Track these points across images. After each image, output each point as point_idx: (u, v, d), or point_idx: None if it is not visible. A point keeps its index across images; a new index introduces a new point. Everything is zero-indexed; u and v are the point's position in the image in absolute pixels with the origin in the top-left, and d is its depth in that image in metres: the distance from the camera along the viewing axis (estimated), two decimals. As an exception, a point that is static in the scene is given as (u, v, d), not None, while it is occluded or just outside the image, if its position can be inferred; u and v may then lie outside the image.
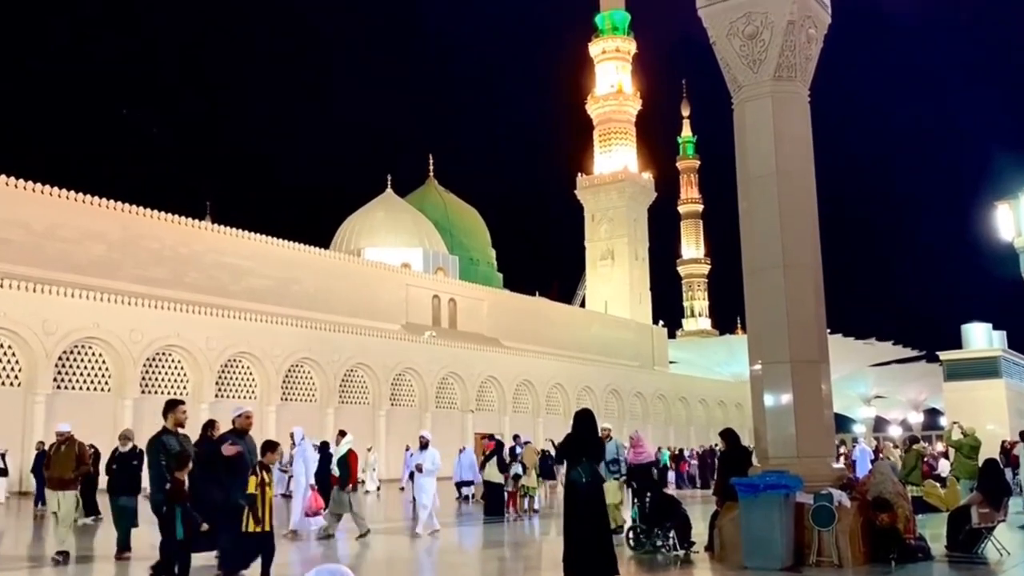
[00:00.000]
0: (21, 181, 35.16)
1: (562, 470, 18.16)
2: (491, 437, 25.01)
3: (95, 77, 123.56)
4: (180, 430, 10.25)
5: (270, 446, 10.06)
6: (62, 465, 12.55)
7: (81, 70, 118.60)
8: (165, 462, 9.53)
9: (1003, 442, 31.71)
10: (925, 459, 19.10)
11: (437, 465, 16.56)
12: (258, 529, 9.47)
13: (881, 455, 26.58)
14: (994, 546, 12.23)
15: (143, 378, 34.19)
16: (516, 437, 24.10)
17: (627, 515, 14.67)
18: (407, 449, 30.48)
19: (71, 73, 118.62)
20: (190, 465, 9.65)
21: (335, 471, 15.77)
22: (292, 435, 19.05)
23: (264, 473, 9.61)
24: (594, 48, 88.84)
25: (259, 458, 9.97)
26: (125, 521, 12.67)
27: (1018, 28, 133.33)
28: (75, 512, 12.55)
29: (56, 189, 36.25)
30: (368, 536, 14.99)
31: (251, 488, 9.49)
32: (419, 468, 16.63)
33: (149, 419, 33.65)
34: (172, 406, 10.37)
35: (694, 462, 37.21)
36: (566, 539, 9.80)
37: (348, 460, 15.63)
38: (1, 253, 33.49)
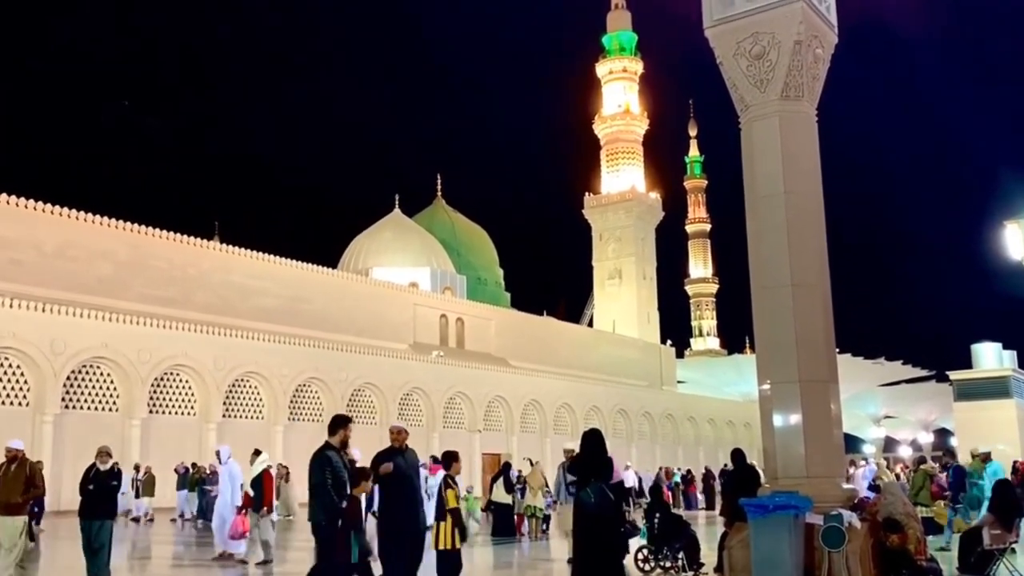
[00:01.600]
0: (32, 202, 35.38)
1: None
2: (435, 460, 24.70)
3: (95, 81, 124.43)
4: (345, 448, 9.53)
5: (453, 456, 9.74)
6: (9, 487, 11.53)
7: (80, 72, 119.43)
8: (331, 481, 8.99)
9: (1015, 462, 31.50)
10: (934, 479, 18.94)
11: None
12: (448, 546, 9.13)
13: (876, 478, 26.32)
14: (1006, 568, 12.14)
15: (151, 398, 34.24)
16: (507, 465, 22.68)
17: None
18: None
19: (70, 76, 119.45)
20: (368, 484, 9.21)
21: (250, 492, 14.81)
22: (218, 453, 17.61)
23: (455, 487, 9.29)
24: (601, 68, 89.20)
25: (444, 471, 9.67)
26: (102, 550, 11.53)
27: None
28: (21, 540, 11.68)
29: (66, 209, 36.44)
30: (270, 566, 14.16)
31: (452, 502, 9.14)
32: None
33: (156, 439, 33.76)
34: (341, 423, 9.59)
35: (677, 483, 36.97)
36: (575, 560, 9.76)
37: (263, 481, 14.74)
38: (12, 274, 33.66)
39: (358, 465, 9.92)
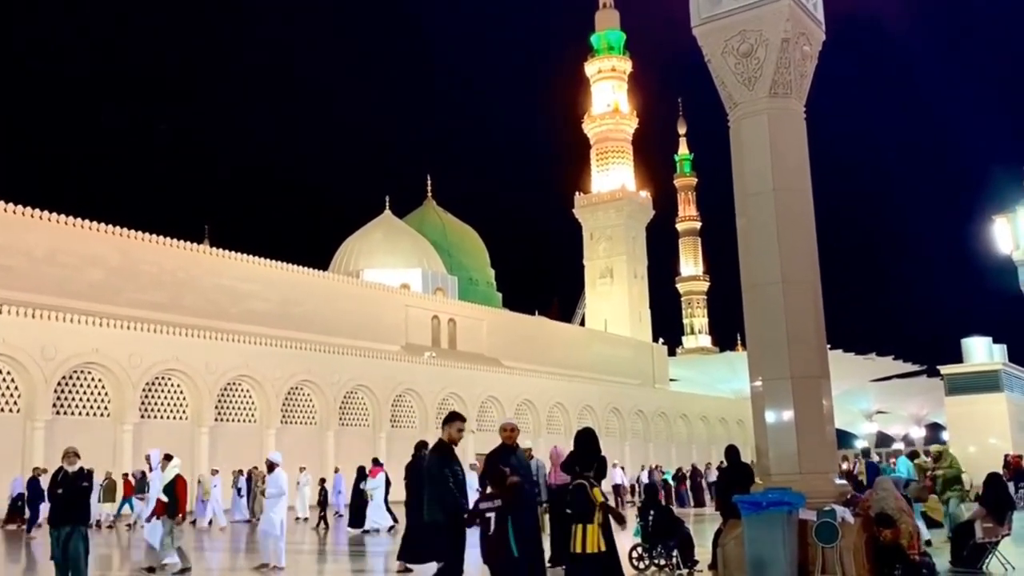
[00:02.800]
0: (21, 208, 35.25)
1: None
2: (376, 462, 24.79)
3: (84, 85, 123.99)
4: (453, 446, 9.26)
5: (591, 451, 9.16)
6: None
7: (70, 76, 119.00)
8: (453, 480, 8.75)
9: (1006, 456, 31.65)
10: (928, 473, 19.01)
11: (283, 490, 14.64)
12: (595, 549, 8.37)
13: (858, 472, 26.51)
14: (999, 561, 12.19)
15: (143, 403, 34.13)
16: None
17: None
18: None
19: (59, 80, 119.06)
20: (515, 479, 8.74)
21: (163, 498, 14.06)
22: (148, 458, 16.56)
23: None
24: (590, 68, 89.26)
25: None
26: (78, 561, 10.72)
27: (1016, 42, 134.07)
28: None
29: (56, 215, 36.32)
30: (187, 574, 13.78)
31: (598, 496, 8.52)
32: (263, 494, 14.95)
33: (148, 444, 33.54)
34: (453, 420, 9.34)
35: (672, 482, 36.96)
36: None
37: (176, 487, 14.10)
38: (2, 280, 33.54)
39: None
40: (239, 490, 29.50)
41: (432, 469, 9.02)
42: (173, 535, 13.92)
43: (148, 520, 14.85)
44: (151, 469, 16.07)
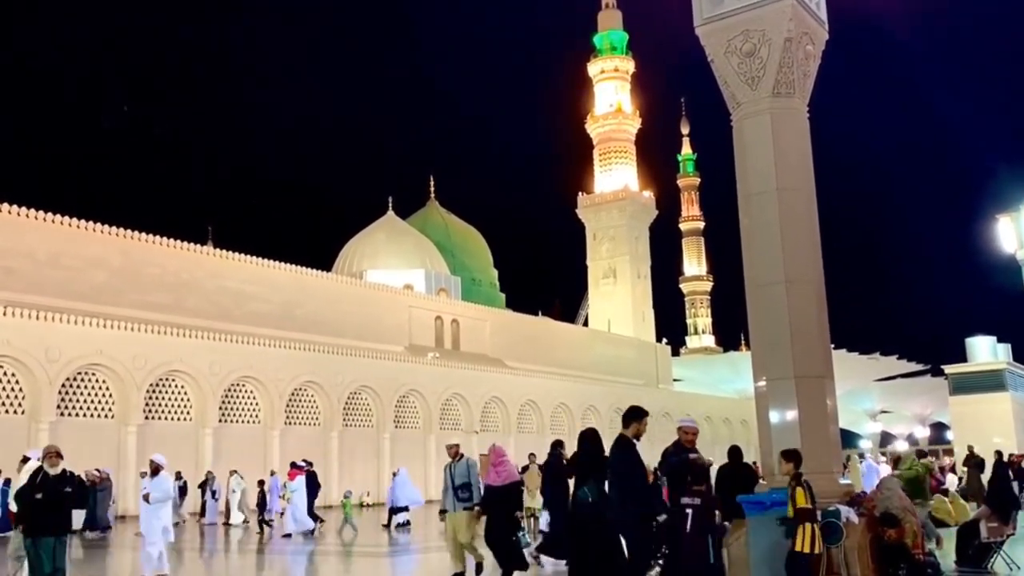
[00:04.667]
0: (24, 209, 35.29)
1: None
2: (294, 465, 24.54)
3: (85, 86, 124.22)
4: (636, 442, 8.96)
5: (793, 455, 9.06)
6: None
7: (70, 76, 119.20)
8: (641, 476, 8.56)
9: (1010, 455, 31.57)
10: (933, 473, 19.04)
11: (168, 494, 13.90)
12: (805, 549, 8.68)
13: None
14: (1004, 560, 12.17)
15: (147, 404, 34.16)
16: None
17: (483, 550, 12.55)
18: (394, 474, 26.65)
19: (60, 81, 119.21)
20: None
21: (12, 507, 12.36)
22: (26, 459, 14.20)
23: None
24: (593, 68, 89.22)
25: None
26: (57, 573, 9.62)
27: (1019, 40, 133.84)
28: None
29: (58, 217, 36.35)
30: None
31: (801, 501, 8.64)
32: (146, 498, 13.58)
33: (153, 446, 33.62)
34: (637, 415, 9.00)
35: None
36: (570, 558, 9.74)
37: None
38: (5, 282, 33.56)
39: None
40: (214, 493, 29.16)
41: (620, 466, 8.80)
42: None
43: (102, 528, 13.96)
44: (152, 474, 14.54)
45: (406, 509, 24.42)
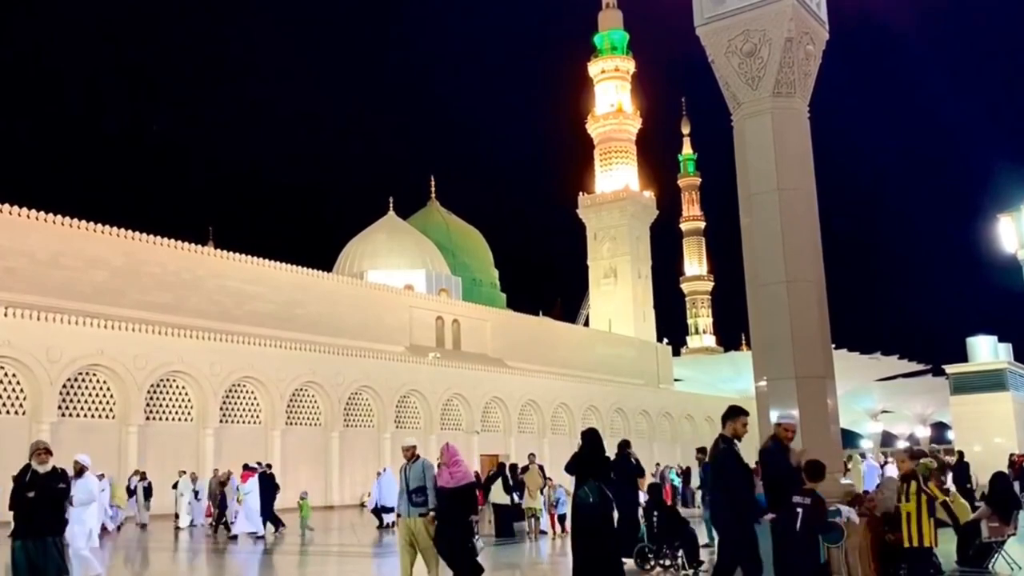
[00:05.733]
0: (25, 210, 35.30)
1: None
2: (246, 467, 24.33)
3: (84, 87, 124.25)
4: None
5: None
6: None
7: (71, 77, 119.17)
8: (744, 474, 8.50)
9: (1011, 455, 31.57)
10: (934, 473, 18.98)
11: (92, 496, 13.19)
12: (916, 544, 9.30)
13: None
14: (1005, 560, 12.16)
15: (148, 404, 34.16)
16: (503, 466, 22.37)
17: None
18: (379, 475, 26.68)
19: (60, 81, 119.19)
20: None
21: None
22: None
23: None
24: (593, 68, 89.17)
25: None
26: None
27: (1019, 40, 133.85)
28: None
29: (59, 217, 36.35)
30: None
31: (934, 491, 9.17)
32: (71, 502, 12.06)
33: (154, 446, 33.69)
34: (737, 414, 8.96)
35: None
36: (575, 558, 9.76)
37: None
38: (6, 282, 33.57)
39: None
40: (196, 493, 28.67)
41: (725, 467, 8.73)
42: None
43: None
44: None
45: (393, 510, 24.39)
